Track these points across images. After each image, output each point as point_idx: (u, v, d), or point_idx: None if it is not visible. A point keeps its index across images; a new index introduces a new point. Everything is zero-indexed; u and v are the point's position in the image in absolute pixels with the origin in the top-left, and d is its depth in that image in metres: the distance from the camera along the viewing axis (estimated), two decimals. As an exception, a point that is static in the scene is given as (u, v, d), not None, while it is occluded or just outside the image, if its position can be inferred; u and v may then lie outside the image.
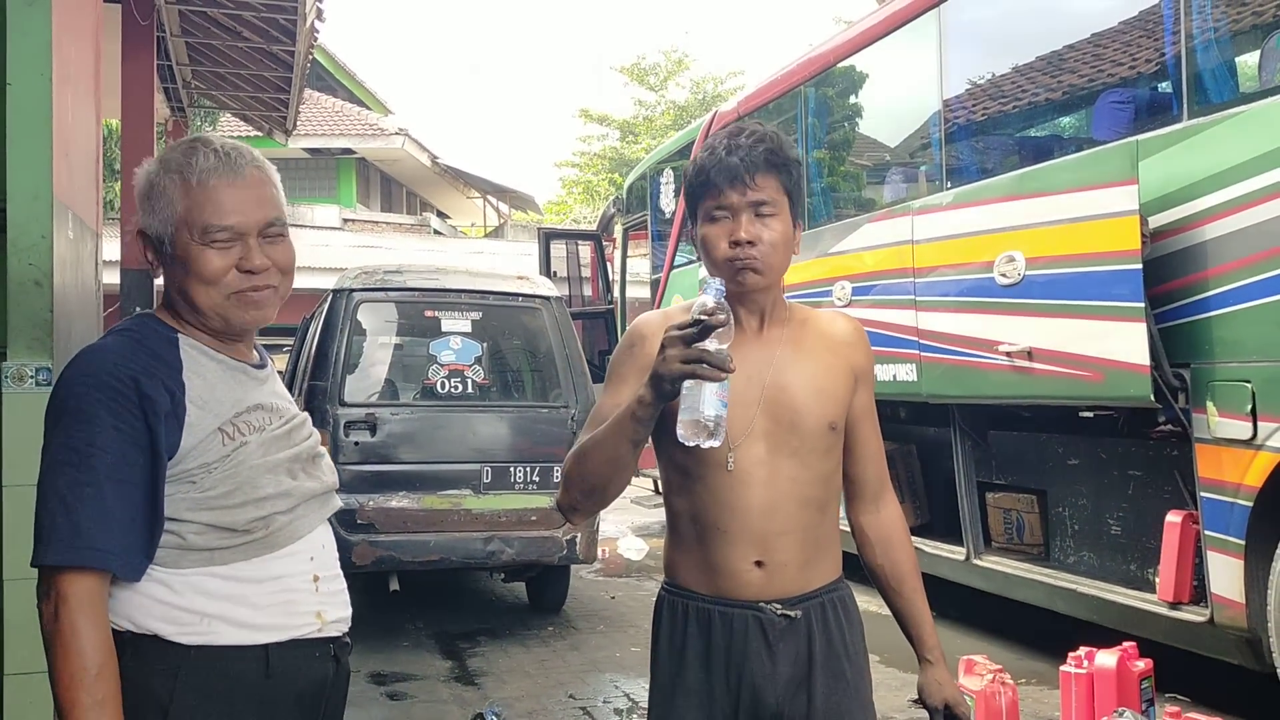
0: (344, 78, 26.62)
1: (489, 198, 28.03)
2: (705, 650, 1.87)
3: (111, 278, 7.89)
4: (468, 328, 6.08)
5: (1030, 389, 4.84)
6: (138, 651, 1.47)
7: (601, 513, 6.30)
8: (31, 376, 3.30)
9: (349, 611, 1.66)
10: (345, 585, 1.67)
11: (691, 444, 1.69)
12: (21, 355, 3.29)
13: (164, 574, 1.49)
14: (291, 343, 7.74)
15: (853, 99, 7.08)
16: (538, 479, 5.90)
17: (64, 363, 3.31)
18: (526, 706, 4.78)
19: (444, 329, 6.06)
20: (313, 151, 22.80)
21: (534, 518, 5.86)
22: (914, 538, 5.99)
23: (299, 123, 21.76)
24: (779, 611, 1.85)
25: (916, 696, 2.01)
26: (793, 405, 1.88)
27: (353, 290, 5.99)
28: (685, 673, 1.88)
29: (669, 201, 9.28)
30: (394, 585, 5.93)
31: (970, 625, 6.01)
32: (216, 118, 18.42)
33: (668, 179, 9.44)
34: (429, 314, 6.09)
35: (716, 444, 1.69)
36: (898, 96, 6.56)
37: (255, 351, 1.68)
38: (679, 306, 2.03)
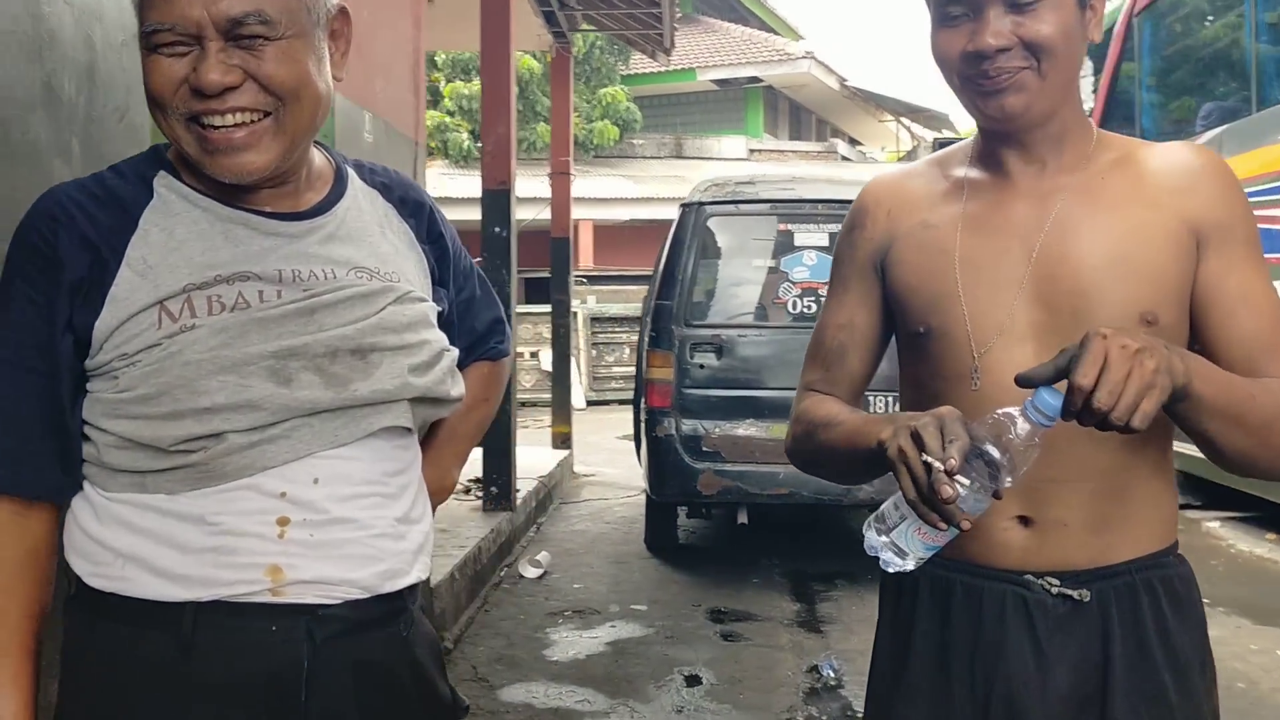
0: (754, 4, 26.42)
1: (901, 119, 26.76)
2: (940, 634, 1.30)
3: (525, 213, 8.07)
4: (824, 241, 5.49)
5: None
6: (73, 590, 1.13)
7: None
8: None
9: (364, 573, 1.13)
10: (377, 533, 1.15)
11: (875, 556, 1.20)
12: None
13: (94, 495, 1.12)
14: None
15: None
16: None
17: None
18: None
19: (797, 243, 5.52)
20: (720, 83, 22.85)
21: (894, 453, 5.22)
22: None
23: (707, 54, 22.08)
24: (1055, 589, 1.24)
25: None
26: (1078, 285, 1.23)
27: (702, 204, 5.62)
28: (911, 662, 1.32)
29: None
30: (742, 518, 5.58)
31: None
32: (622, 49, 18.95)
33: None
34: (782, 227, 5.58)
35: (907, 569, 1.18)
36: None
37: (325, 192, 1.21)
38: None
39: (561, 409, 8.92)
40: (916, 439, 1.11)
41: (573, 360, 10.00)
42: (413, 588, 1.21)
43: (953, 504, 1.07)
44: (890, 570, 1.18)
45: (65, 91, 1.78)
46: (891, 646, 1.36)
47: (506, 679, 4.16)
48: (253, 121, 1.08)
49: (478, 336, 1.40)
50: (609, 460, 9.35)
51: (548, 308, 9.72)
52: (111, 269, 1.08)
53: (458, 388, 1.26)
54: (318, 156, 1.23)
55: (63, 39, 1.78)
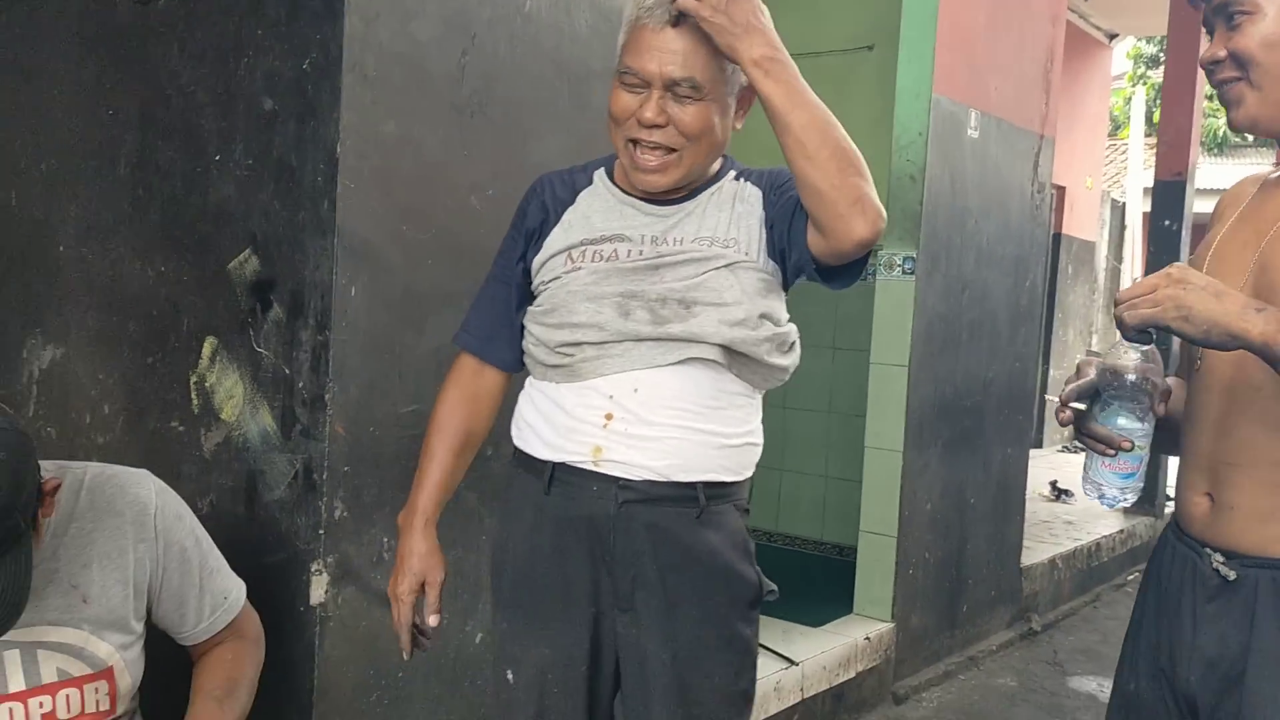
0: None
1: None
2: (1159, 587, 1.47)
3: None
4: None
5: None
6: (514, 447, 1.66)
7: None
8: (899, 265, 3.61)
9: (659, 463, 1.50)
10: (674, 437, 1.50)
11: (1108, 504, 1.39)
12: (893, 245, 3.62)
13: (528, 379, 1.64)
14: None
15: None
16: None
17: (931, 254, 3.55)
18: None
19: None
20: None
21: None
22: None
23: None
24: (1215, 563, 1.34)
25: None
26: (1273, 286, 1.28)
27: None
28: (1145, 607, 1.50)
29: None
30: None
31: None
32: None
33: None
34: None
35: (1125, 504, 1.38)
36: None
37: (690, 188, 1.59)
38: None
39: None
40: (1069, 395, 1.34)
41: None
42: (714, 485, 1.54)
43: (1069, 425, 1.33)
44: (1116, 506, 1.36)
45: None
46: (1148, 585, 1.50)
47: (1082, 669, 4.18)
48: (666, 153, 1.51)
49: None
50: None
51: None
52: (551, 225, 1.61)
53: (783, 359, 1.57)
54: (715, 166, 1.62)
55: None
